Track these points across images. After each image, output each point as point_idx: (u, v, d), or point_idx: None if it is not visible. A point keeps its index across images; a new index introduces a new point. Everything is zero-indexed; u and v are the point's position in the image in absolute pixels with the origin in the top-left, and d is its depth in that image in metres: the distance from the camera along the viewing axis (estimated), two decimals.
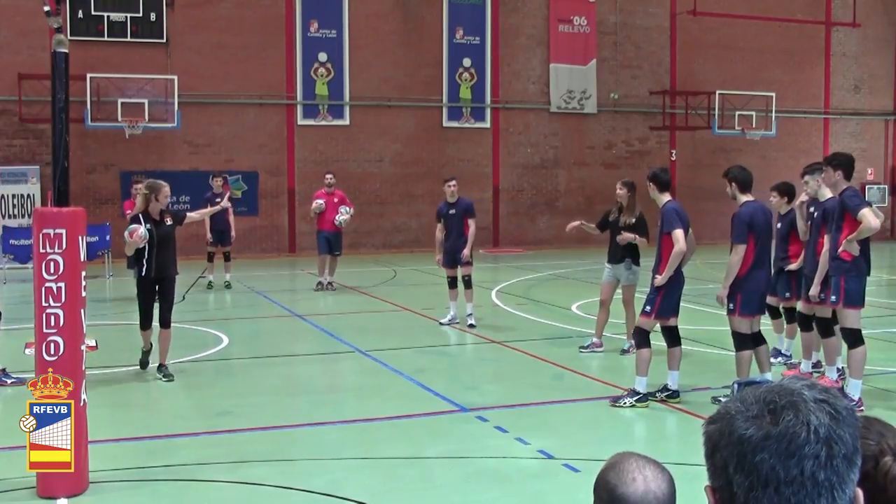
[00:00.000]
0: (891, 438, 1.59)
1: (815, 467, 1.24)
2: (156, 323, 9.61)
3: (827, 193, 8.55)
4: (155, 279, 9.38)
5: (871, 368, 8.64)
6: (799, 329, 9.24)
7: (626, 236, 10.26)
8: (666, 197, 8.40)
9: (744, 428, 1.28)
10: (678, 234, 8.13)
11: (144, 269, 9.27)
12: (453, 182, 12.68)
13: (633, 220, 10.49)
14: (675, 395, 8.27)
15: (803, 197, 9.14)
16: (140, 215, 9.33)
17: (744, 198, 8.08)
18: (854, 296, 7.82)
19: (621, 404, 8.09)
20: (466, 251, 12.35)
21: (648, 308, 8.24)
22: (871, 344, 8.36)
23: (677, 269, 8.24)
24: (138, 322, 9.60)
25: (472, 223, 12.49)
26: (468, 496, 6.00)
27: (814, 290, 8.52)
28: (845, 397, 1.28)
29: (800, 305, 9.11)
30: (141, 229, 9.10)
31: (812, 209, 8.87)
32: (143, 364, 9.75)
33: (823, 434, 1.24)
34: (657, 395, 8.29)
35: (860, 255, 7.81)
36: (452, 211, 12.54)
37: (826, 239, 8.34)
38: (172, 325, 9.68)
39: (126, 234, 9.17)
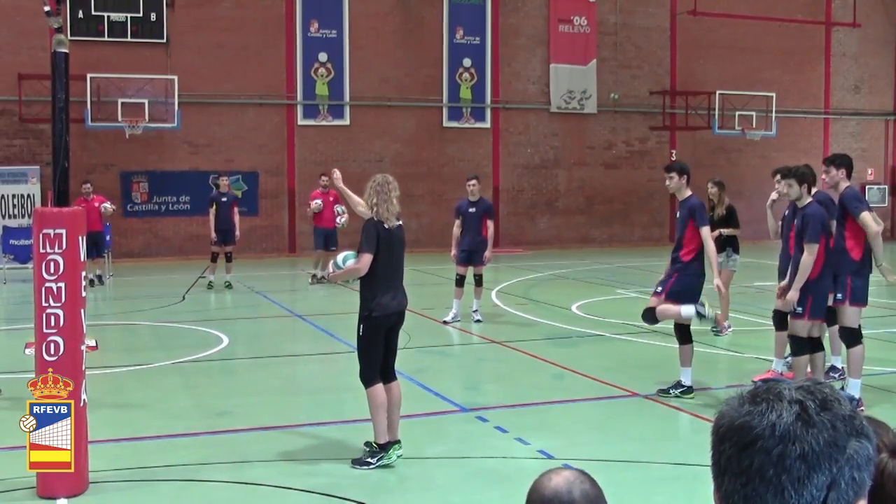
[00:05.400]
0: (885, 436, 1.59)
1: (765, 463, 1.26)
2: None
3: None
4: (391, 316, 6.61)
5: (870, 368, 8.65)
6: (774, 328, 9.20)
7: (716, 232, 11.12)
8: (689, 191, 8.48)
9: (721, 416, 1.33)
10: (709, 230, 8.34)
11: (374, 308, 6.50)
12: (474, 181, 12.91)
13: (724, 212, 11.52)
14: (689, 390, 8.34)
15: (774, 195, 9.39)
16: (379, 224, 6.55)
17: (808, 198, 7.99)
18: (859, 294, 7.88)
19: (670, 394, 8.33)
20: (489, 253, 12.79)
21: (660, 288, 8.43)
22: (871, 344, 8.37)
23: (699, 263, 8.37)
24: (360, 375, 6.61)
25: (490, 224, 12.78)
26: (468, 496, 6.00)
27: (785, 282, 8.60)
28: (850, 403, 1.26)
29: (777, 303, 9.12)
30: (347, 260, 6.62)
31: (786, 210, 9.03)
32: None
33: (780, 432, 1.25)
34: (671, 391, 8.34)
35: (862, 256, 7.87)
36: (473, 209, 12.74)
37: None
38: (172, 324, 9.44)
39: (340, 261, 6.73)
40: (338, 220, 16.91)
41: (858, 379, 7.87)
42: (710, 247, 8.30)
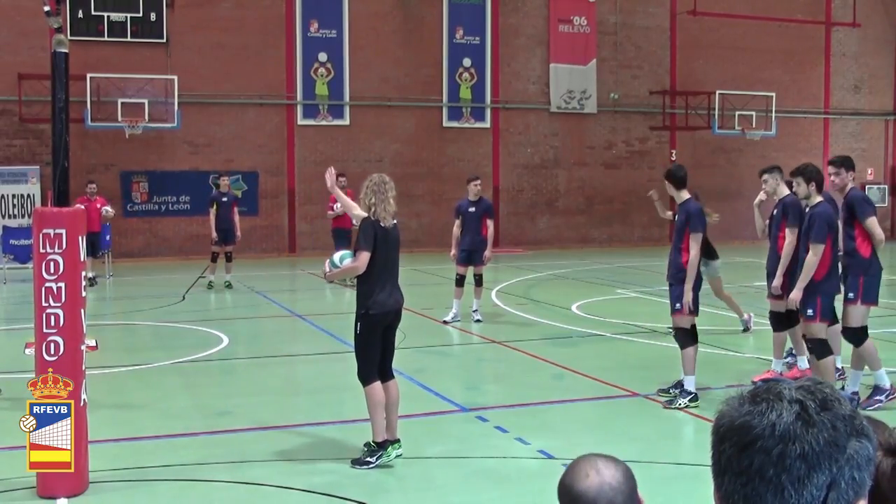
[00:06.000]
0: (882, 435, 1.59)
1: (765, 463, 1.26)
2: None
3: (784, 191, 8.84)
4: (388, 313, 6.64)
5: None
6: (772, 328, 9.18)
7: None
8: (686, 194, 8.42)
9: (721, 416, 1.33)
10: (699, 238, 8.19)
11: (371, 306, 6.52)
12: (478, 181, 13.00)
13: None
14: (695, 398, 8.21)
15: (762, 196, 9.38)
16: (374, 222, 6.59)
17: (818, 198, 7.94)
18: (870, 293, 7.90)
19: (678, 405, 8.02)
20: (488, 253, 12.82)
21: (679, 305, 8.19)
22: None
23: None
24: (358, 374, 6.65)
25: (490, 223, 12.81)
26: (468, 496, 6.00)
27: (776, 282, 8.64)
28: (851, 402, 1.27)
29: (770, 304, 9.12)
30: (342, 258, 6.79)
31: (774, 209, 9.08)
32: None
33: (780, 431, 1.25)
34: (671, 391, 8.32)
35: (872, 254, 7.90)
36: (473, 209, 12.77)
37: (787, 232, 8.53)
38: (172, 324, 9.46)
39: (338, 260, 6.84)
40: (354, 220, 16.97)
41: (881, 369, 7.97)
42: (694, 254, 8.11)
